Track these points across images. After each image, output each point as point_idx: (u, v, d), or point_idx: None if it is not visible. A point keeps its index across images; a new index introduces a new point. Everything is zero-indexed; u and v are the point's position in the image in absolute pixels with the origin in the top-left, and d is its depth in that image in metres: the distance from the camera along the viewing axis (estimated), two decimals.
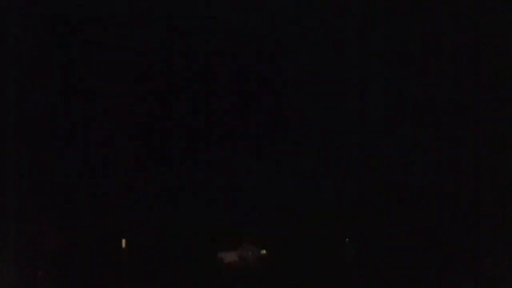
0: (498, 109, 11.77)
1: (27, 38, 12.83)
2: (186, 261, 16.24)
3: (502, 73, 11.81)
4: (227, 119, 14.44)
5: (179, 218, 14.65)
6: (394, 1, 12.66)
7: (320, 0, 12.89)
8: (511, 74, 11.90)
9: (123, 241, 14.74)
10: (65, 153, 13.73)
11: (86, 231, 13.98)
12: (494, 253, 11.30)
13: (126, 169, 14.10)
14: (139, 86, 13.36)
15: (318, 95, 13.84)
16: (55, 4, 13.12)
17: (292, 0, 13.07)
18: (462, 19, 12.13)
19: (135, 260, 14.64)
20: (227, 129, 14.26)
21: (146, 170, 14.10)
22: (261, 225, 15.46)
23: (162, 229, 15.00)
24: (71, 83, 13.54)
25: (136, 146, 14.10)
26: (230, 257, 17.04)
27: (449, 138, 12.24)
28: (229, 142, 14.48)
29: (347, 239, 15.92)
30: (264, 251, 17.16)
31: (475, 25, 12.11)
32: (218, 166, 14.58)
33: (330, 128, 13.88)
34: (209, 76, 13.87)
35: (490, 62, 11.95)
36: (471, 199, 11.90)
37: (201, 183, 14.17)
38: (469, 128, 11.98)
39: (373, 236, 14.43)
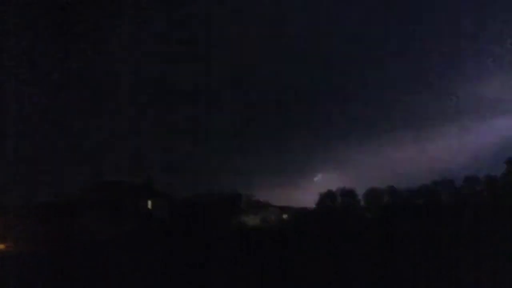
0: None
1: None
2: (211, 225, 16.86)
3: None
4: None
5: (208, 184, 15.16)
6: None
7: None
8: None
9: (149, 202, 15.44)
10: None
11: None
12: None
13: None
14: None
15: None
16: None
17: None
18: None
19: (160, 221, 15.31)
20: None
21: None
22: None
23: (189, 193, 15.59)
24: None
25: None
26: (254, 220, 17.64)
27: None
28: None
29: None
30: (285, 215, 17.77)
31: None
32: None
33: None
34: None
35: None
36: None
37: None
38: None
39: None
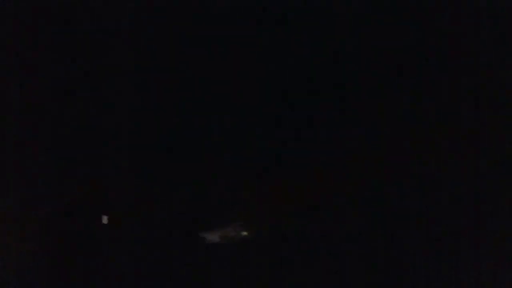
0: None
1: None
2: (168, 240, 16.51)
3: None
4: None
5: (165, 199, 14.84)
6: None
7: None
8: None
9: (105, 217, 14.92)
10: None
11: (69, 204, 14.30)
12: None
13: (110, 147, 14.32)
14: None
15: None
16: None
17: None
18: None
19: (116, 237, 14.88)
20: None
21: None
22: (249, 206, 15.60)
23: (146, 208, 15.21)
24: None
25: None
26: (213, 237, 17.31)
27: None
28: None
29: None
30: (245, 233, 17.34)
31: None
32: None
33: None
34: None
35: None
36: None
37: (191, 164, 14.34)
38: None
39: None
